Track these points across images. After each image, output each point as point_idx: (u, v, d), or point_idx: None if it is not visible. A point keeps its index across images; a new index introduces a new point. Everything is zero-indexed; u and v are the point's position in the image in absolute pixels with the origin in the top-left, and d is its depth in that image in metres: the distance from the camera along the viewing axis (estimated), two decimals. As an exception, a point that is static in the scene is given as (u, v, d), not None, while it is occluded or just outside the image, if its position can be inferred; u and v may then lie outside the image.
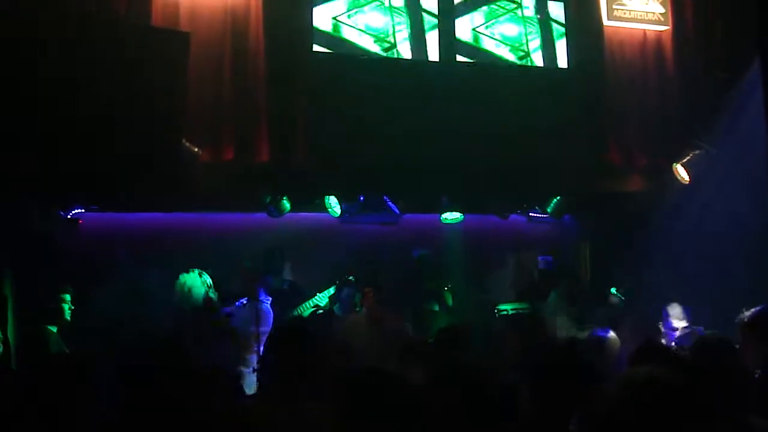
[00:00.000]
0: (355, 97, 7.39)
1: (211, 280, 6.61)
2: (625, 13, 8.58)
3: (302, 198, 7.67)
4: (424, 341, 5.62)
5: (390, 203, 7.98)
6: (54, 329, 6.02)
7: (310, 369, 3.41)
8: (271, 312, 6.78)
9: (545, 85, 8.10)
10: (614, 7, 8.53)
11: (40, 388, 3.22)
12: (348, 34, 7.64)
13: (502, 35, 8.15)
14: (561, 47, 8.33)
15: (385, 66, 7.73)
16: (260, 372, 5.74)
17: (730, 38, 8.45)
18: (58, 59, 5.48)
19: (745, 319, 4.45)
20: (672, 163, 8.08)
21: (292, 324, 6.92)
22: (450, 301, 8.06)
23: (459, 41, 7.99)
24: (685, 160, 8.02)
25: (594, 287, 8.74)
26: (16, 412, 3.15)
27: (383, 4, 7.80)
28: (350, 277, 7.34)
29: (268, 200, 7.47)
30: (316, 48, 7.52)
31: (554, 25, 8.33)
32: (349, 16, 7.65)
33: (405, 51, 7.81)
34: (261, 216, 7.61)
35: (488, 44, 8.10)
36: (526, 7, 8.29)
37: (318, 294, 7.42)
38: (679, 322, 6.72)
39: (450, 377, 2.94)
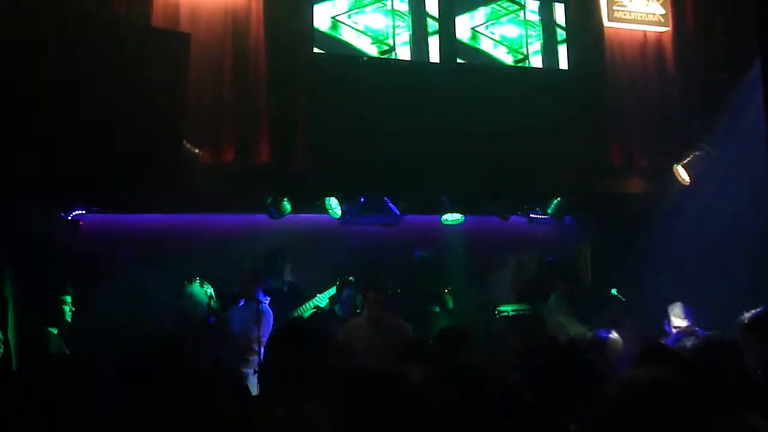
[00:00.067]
0: (356, 98, 7.39)
1: (212, 290, 6.60)
2: (625, 15, 8.58)
3: (303, 199, 7.67)
4: (424, 342, 5.62)
5: (390, 204, 7.98)
6: (55, 331, 6.00)
7: (310, 370, 3.40)
8: (271, 312, 6.76)
9: (546, 85, 8.09)
10: (615, 8, 8.53)
11: (40, 389, 3.22)
12: (346, 34, 7.63)
13: (501, 36, 8.15)
14: (563, 52, 8.34)
15: (385, 67, 7.72)
16: (261, 373, 5.78)
17: (730, 39, 8.45)
18: (58, 59, 5.48)
19: (746, 321, 4.45)
20: (672, 164, 8.08)
21: (292, 325, 6.90)
22: (450, 303, 8.06)
23: (457, 40, 7.98)
24: (685, 161, 8.02)
25: (595, 288, 8.74)
26: (17, 413, 3.15)
27: (385, 6, 7.80)
28: (350, 278, 7.33)
29: (268, 201, 7.47)
30: (316, 49, 7.52)
31: (558, 30, 8.32)
32: (349, 16, 7.65)
33: (403, 54, 7.81)
34: (262, 217, 7.61)
35: (486, 44, 8.09)
36: (533, 11, 8.28)
37: (318, 295, 7.42)
38: (680, 322, 6.71)
39: (450, 376, 2.93)
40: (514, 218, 8.72)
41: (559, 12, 8.35)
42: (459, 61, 7.95)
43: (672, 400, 2.51)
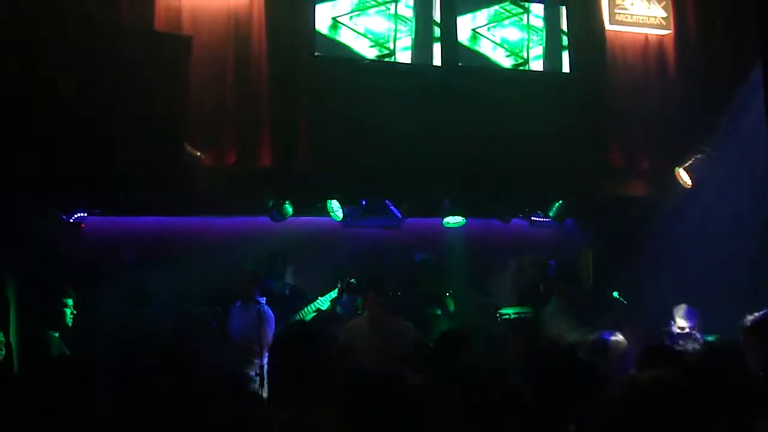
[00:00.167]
0: (357, 101, 7.41)
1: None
2: (627, 18, 8.60)
3: (304, 202, 7.68)
4: (425, 344, 5.62)
5: (392, 207, 7.98)
6: (56, 334, 6.00)
7: (313, 373, 3.40)
8: (270, 313, 6.74)
9: (548, 88, 8.11)
10: (616, 11, 8.54)
11: (41, 391, 3.22)
12: (344, 35, 7.64)
13: (502, 39, 8.16)
14: (566, 57, 8.35)
15: (387, 70, 7.74)
16: (267, 376, 5.77)
17: (731, 42, 8.46)
18: (59, 62, 5.49)
19: (748, 323, 4.45)
20: (674, 167, 8.08)
21: (295, 328, 6.90)
22: (451, 306, 8.05)
23: (458, 44, 7.99)
24: (687, 163, 8.02)
25: (596, 291, 8.73)
26: (17, 415, 3.15)
27: (388, 10, 7.80)
28: (352, 280, 7.33)
29: (270, 204, 7.47)
30: (317, 53, 7.53)
31: (562, 36, 8.33)
32: (350, 18, 7.66)
33: (403, 59, 7.83)
34: (263, 220, 7.61)
35: (485, 46, 8.09)
36: (537, 16, 8.29)
37: (320, 298, 7.41)
38: (684, 323, 6.71)
39: (450, 378, 2.94)
40: (515, 221, 8.71)
41: (564, 16, 8.37)
42: (460, 64, 7.96)
43: (674, 402, 2.51)
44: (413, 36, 7.85)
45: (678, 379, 2.59)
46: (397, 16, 7.82)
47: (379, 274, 6.92)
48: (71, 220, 7.14)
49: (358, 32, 7.68)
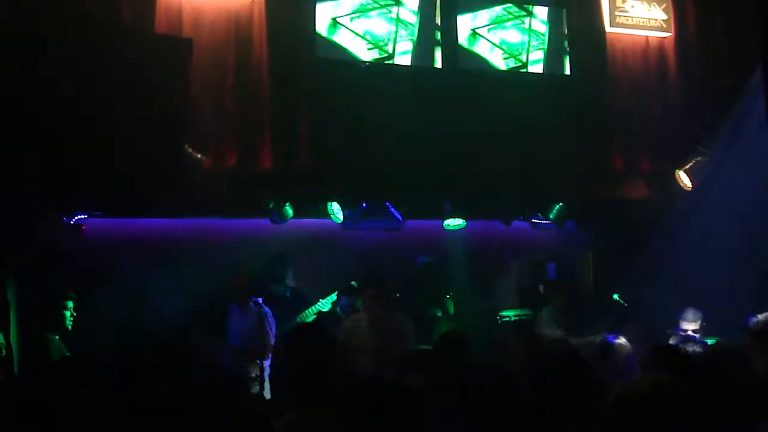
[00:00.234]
0: (358, 104, 7.41)
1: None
2: (627, 20, 8.60)
3: (305, 204, 7.68)
4: (425, 350, 5.62)
5: (392, 209, 7.98)
6: (56, 336, 5.99)
7: (321, 373, 3.41)
8: (270, 313, 6.73)
9: (548, 91, 8.10)
10: (617, 14, 8.54)
11: (40, 393, 3.21)
12: (342, 36, 7.64)
13: (501, 40, 8.15)
14: (566, 59, 8.36)
15: (388, 72, 7.74)
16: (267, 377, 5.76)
17: (731, 44, 8.46)
18: (59, 62, 5.48)
19: (753, 325, 4.46)
20: (675, 169, 8.08)
21: (302, 329, 6.89)
22: (452, 309, 8.04)
23: (459, 46, 7.99)
24: (687, 166, 8.02)
25: (597, 293, 8.73)
26: (16, 418, 3.14)
27: (390, 13, 7.80)
28: (352, 283, 7.32)
29: (271, 206, 7.47)
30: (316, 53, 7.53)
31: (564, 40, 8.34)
32: (351, 20, 7.66)
33: (401, 63, 7.82)
34: (264, 222, 7.61)
35: (482, 47, 8.08)
36: (543, 21, 8.28)
37: (321, 300, 7.41)
38: (689, 326, 6.71)
39: (450, 378, 2.93)
40: (516, 223, 8.72)
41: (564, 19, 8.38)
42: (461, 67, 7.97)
43: (677, 404, 2.50)
44: (415, 39, 7.85)
45: (680, 382, 2.58)
46: (398, 20, 7.82)
47: (379, 273, 6.91)
48: (72, 222, 7.14)
49: (356, 33, 7.67)
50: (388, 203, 7.96)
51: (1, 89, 5.31)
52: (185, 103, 6.21)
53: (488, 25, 8.12)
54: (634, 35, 8.62)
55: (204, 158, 6.82)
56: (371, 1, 7.76)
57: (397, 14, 7.82)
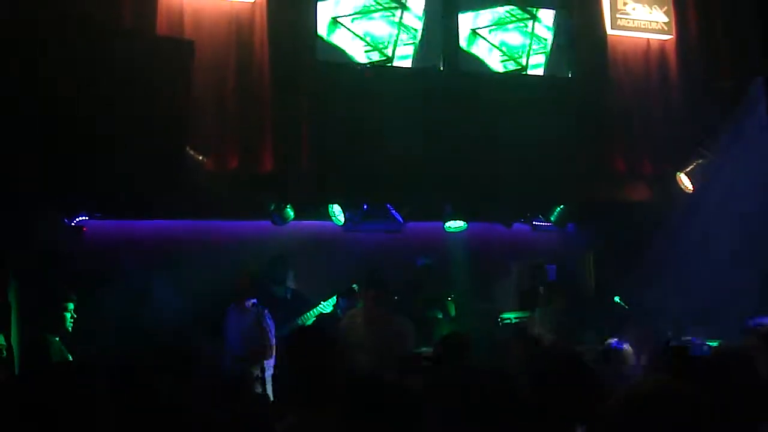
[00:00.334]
0: (359, 106, 7.41)
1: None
2: (628, 23, 8.60)
3: (306, 206, 7.68)
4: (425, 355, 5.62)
5: (393, 211, 7.98)
6: (56, 338, 5.99)
7: (323, 374, 3.40)
8: (268, 314, 6.73)
9: (550, 93, 8.10)
10: (618, 16, 8.55)
11: (40, 395, 3.21)
12: (341, 36, 7.63)
13: (501, 42, 8.14)
14: (567, 61, 8.37)
15: (389, 74, 7.74)
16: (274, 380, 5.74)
17: (733, 46, 8.46)
18: (59, 62, 5.49)
19: (755, 326, 4.46)
20: (676, 171, 8.07)
21: (303, 333, 6.87)
22: (453, 311, 8.04)
23: (459, 48, 7.99)
24: (688, 169, 8.01)
25: (598, 295, 8.72)
26: (16, 418, 3.14)
27: (393, 16, 7.80)
28: (353, 285, 7.32)
29: (272, 208, 7.47)
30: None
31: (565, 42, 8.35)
32: (352, 20, 7.65)
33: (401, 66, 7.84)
34: (265, 224, 7.61)
35: (481, 47, 8.06)
36: (549, 28, 8.27)
37: (322, 302, 7.40)
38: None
39: (450, 378, 2.93)
40: (517, 226, 8.72)
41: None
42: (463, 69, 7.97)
43: (679, 406, 2.50)
44: (417, 43, 7.84)
45: (682, 384, 2.58)
46: (401, 24, 7.82)
47: (380, 275, 6.91)
48: (73, 224, 7.14)
49: (355, 34, 7.66)
50: (388, 205, 7.96)
51: (1, 89, 5.30)
52: (186, 105, 6.21)
53: (489, 25, 8.11)
54: (635, 37, 8.62)
55: (205, 160, 6.82)
56: (374, 3, 7.76)
57: (400, 18, 7.82)
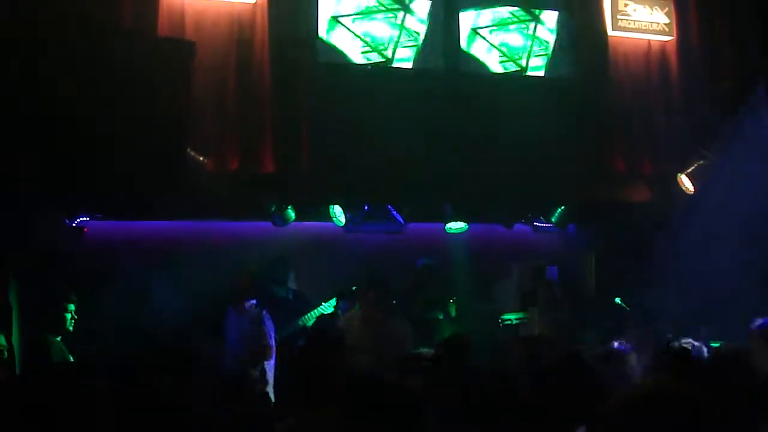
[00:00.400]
0: (360, 107, 7.41)
1: None
2: (629, 24, 8.61)
3: (307, 207, 7.68)
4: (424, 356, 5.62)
5: (394, 212, 7.98)
6: (57, 338, 5.99)
7: (315, 377, 3.40)
8: (268, 315, 6.72)
9: (550, 94, 8.10)
10: (619, 17, 8.55)
11: (41, 394, 3.21)
12: (340, 36, 7.62)
13: (501, 42, 8.14)
14: (568, 62, 8.37)
15: (389, 75, 7.74)
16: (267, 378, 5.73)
17: (734, 47, 8.47)
18: (59, 62, 5.49)
19: (756, 327, 4.46)
20: (677, 172, 8.08)
21: (298, 333, 6.90)
22: (453, 312, 8.04)
23: (460, 49, 7.99)
24: (689, 170, 8.01)
25: (599, 296, 8.71)
26: (17, 418, 3.14)
27: (395, 18, 7.80)
28: (354, 288, 7.31)
29: (272, 209, 7.47)
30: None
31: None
32: (353, 21, 7.65)
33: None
34: (266, 225, 7.61)
35: (480, 47, 8.05)
36: (551, 30, 8.26)
37: (323, 303, 7.40)
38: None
39: (451, 379, 2.93)
40: (517, 227, 8.71)
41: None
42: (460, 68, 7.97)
43: (680, 406, 2.49)
44: (419, 45, 7.83)
45: (683, 385, 2.57)
46: (402, 26, 7.81)
47: (381, 276, 6.91)
48: (74, 224, 7.14)
49: (355, 34, 7.66)
50: (389, 206, 7.96)
51: (1, 89, 5.31)
52: (187, 105, 6.22)
53: (491, 25, 8.11)
54: (636, 39, 8.62)
55: (206, 160, 6.82)
56: (377, 4, 7.76)
57: (402, 20, 7.82)
